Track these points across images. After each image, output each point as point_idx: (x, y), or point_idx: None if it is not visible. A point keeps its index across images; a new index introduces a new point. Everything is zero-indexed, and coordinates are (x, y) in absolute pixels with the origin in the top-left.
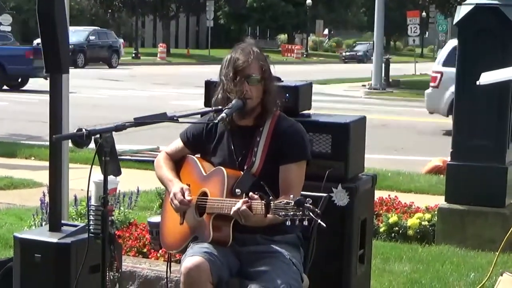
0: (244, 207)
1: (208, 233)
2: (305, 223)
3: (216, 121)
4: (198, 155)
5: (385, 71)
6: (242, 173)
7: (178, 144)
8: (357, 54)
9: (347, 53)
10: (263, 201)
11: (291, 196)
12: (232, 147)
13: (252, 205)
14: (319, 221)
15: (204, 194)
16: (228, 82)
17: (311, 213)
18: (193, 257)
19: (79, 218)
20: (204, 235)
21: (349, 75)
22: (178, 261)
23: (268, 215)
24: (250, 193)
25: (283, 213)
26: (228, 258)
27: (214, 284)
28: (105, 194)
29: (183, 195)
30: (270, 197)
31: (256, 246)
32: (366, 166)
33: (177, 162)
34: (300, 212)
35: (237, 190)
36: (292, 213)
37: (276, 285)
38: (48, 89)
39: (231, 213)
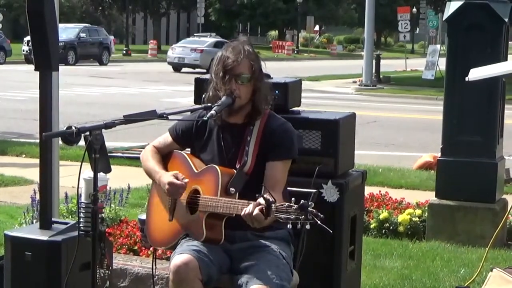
0: (257, 211)
1: (201, 231)
2: (307, 227)
3: (206, 118)
4: (187, 151)
5: (376, 68)
6: (234, 171)
7: (166, 139)
8: None
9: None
10: (264, 204)
11: (293, 199)
12: (222, 144)
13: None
14: (324, 226)
15: (196, 191)
16: (217, 80)
17: (314, 218)
18: (181, 255)
19: (70, 216)
20: (196, 233)
21: (340, 71)
22: (168, 258)
23: (268, 218)
24: (261, 196)
25: (285, 216)
26: (218, 256)
27: (203, 281)
28: (95, 191)
29: (177, 179)
30: (271, 199)
31: (246, 243)
32: (357, 162)
33: (164, 156)
34: (303, 216)
35: (231, 189)
36: (294, 216)
37: (267, 276)
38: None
39: (242, 214)
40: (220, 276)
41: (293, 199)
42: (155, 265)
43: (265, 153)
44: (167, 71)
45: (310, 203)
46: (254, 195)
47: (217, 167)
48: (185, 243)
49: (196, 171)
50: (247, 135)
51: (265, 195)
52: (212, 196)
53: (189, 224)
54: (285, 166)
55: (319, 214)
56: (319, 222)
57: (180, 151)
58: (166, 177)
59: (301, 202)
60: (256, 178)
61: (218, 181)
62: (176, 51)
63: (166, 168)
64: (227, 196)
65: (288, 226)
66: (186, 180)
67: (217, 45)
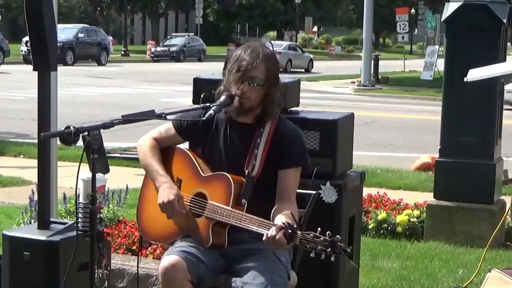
0: (280, 235)
1: (207, 238)
2: (332, 259)
3: (204, 118)
4: (188, 148)
5: (374, 68)
6: (243, 179)
7: (169, 130)
8: (170, 50)
9: (159, 49)
10: (289, 230)
11: (319, 229)
12: (228, 142)
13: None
14: (350, 261)
15: (199, 194)
16: (229, 78)
17: (342, 252)
18: (169, 256)
19: (68, 216)
20: (202, 239)
21: (338, 72)
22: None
23: (291, 243)
24: (283, 222)
25: (310, 245)
26: (210, 257)
27: (194, 282)
28: (93, 191)
29: (179, 202)
30: (295, 226)
31: (243, 245)
32: (355, 163)
33: (164, 150)
34: (330, 249)
35: (243, 201)
36: (320, 247)
37: (260, 281)
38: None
39: (264, 238)
40: (215, 276)
41: (319, 229)
42: (139, 258)
43: (275, 159)
44: (165, 71)
45: (338, 236)
46: (260, 201)
47: (228, 175)
48: (176, 243)
49: (202, 174)
50: (257, 137)
51: (288, 221)
52: (223, 204)
53: (192, 227)
54: (297, 173)
55: (346, 249)
56: (346, 256)
57: (184, 149)
58: (169, 191)
59: (330, 237)
60: (262, 182)
61: (231, 190)
62: None
63: (167, 165)
64: (238, 206)
65: (311, 254)
66: (183, 211)
67: (291, 48)
